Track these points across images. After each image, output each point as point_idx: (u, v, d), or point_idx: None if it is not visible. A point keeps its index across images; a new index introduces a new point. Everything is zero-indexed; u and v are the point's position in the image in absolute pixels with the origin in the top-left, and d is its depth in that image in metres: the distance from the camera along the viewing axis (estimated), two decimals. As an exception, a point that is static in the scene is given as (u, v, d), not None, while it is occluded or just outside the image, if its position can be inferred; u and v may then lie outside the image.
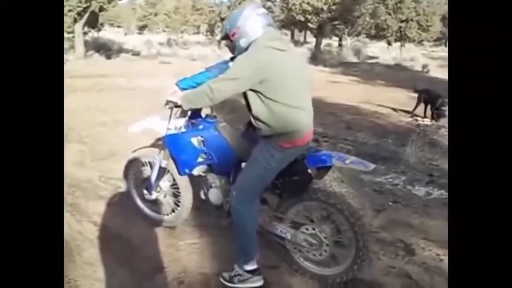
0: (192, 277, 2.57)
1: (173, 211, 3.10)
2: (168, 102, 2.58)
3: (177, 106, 2.55)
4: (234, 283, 2.45)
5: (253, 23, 2.32)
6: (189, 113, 2.72)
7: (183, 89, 2.67)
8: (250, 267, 2.46)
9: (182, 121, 2.76)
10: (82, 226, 3.15)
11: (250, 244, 2.45)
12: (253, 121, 2.39)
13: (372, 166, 2.36)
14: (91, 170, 4.36)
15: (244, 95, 2.32)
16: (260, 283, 2.47)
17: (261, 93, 2.24)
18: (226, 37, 2.44)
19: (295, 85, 2.29)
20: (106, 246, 2.88)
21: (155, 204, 3.15)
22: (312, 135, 2.45)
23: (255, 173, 2.38)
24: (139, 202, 3.26)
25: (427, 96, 8.16)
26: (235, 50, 2.42)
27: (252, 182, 2.40)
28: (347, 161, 2.35)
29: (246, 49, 2.31)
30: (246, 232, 2.43)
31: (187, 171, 2.81)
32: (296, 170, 2.40)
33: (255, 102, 2.29)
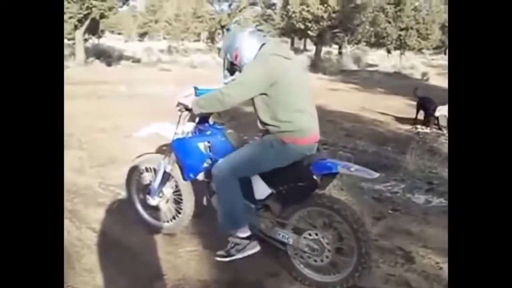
0: (191, 284, 2.56)
1: (173, 218, 3.09)
2: (179, 104, 2.64)
3: (187, 109, 2.61)
4: (233, 255, 2.47)
5: (250, 41, 2.47)
6: (197, 119, 2.77)
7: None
8: (244, 234, 2.48)
9: (190, 127, 2.81)
10: (81, 232, 3.14)
11: (235, 209, 2.46)
12: (260, 125, 2.47)
13: (376, 174, 2.40)
14: (90, 177, 4.34)
15: (252, 101, 2.41)
16: (258, 248, 2.50)
17: (268, 97, 2.33)
18: (230, 64, 2.56)
19: (299, 89, 2.41)
20: (105, 253, 2.87)
21: (156, 211, 3.14)
22: (316, 138, 2.53)
23: (249, 152, 2.46)
24: (140, 208, 3.25)
25: (422, 103, 8.26)
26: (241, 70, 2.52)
27: (242, 157, 2.45)
28: (352, 169, 2.39)
29: None
30: (226, 198, 2.45)
31: (192, 175, 2.81)
32: (301, 177, 2.43)
33: (261, 107, 2.39)
